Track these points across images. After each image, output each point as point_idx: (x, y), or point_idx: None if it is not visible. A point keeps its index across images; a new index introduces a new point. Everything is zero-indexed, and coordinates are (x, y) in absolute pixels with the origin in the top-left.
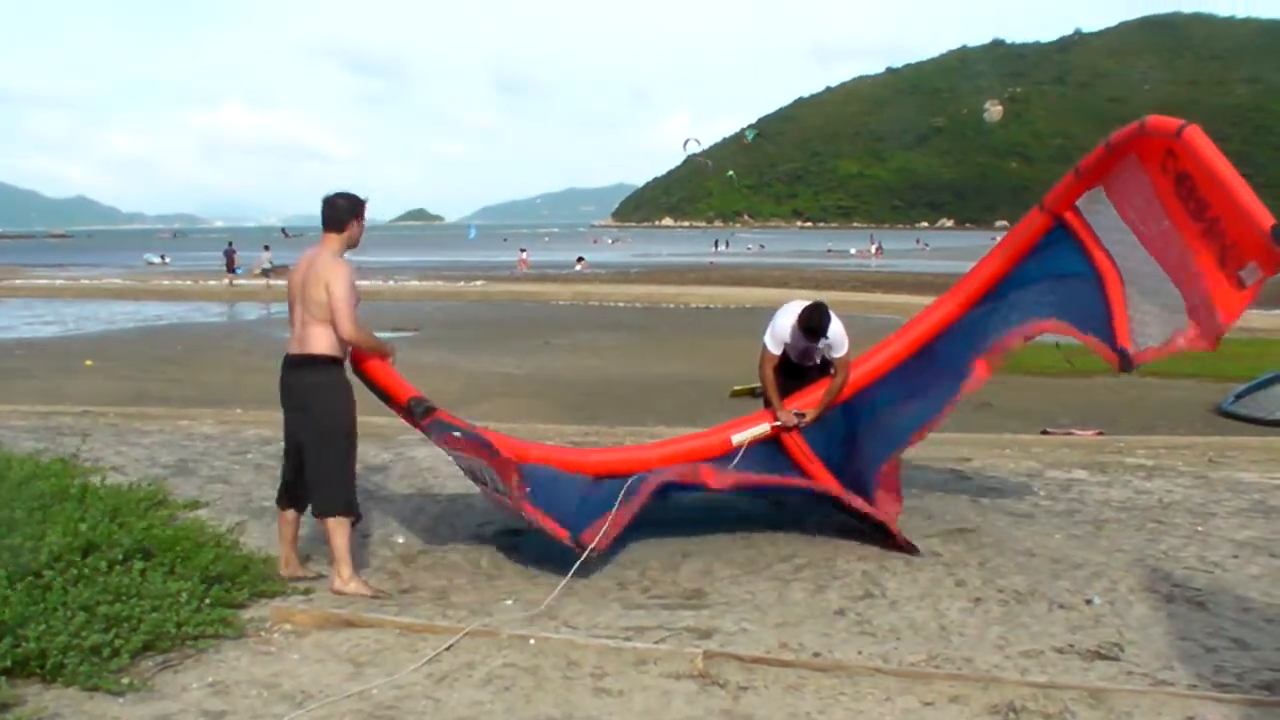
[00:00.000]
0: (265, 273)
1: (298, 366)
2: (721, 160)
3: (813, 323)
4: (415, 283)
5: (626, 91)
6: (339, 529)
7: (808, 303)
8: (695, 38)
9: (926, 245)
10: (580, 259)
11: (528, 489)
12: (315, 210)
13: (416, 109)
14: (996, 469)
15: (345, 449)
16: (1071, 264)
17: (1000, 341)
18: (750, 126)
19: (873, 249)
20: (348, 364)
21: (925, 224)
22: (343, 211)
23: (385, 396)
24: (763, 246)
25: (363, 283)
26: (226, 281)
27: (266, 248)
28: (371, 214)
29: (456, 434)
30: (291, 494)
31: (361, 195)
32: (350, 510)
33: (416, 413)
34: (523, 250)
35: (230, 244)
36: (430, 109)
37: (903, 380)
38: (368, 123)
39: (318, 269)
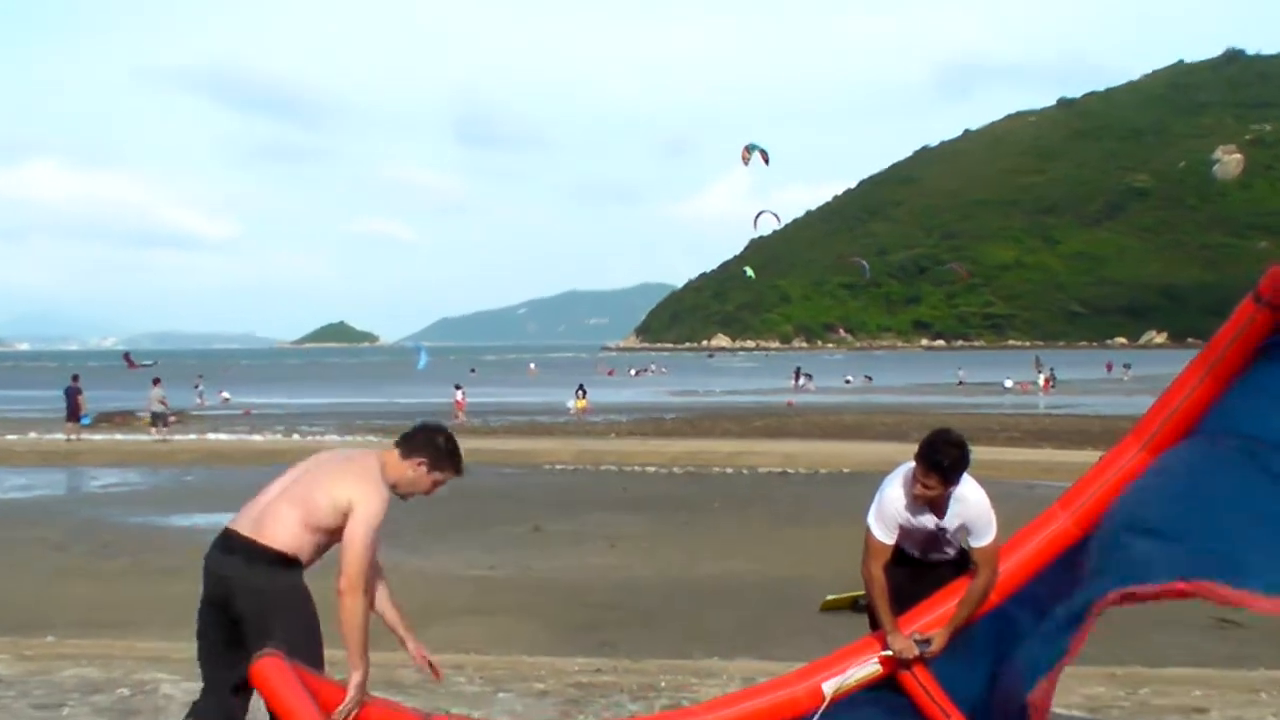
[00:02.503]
0: (157, 420)
1: (237, 552)
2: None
3: (938, 454)
4: (334, 437)
5: (656, 144)
6: None
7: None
8: (758, 61)
9: (1127, 370)
10: (579, 392)
11: None
12: (174, 325)
13: (339, 168)
14: None
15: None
16: None
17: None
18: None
19: (1039, 379)
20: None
21: (1122, 340)
22: (422, 445)
23: None
24: (869, 378)
25: (255, 437)
26: (66, 435)
27: (156, 381)
28: (272, 331)
29: None
30: None
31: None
32: None
33: None
34: (458, 387)
35: (76, 379)
36: (360, 168)
37: (1073, 572)
38: (263, 189)
39: (357, 465)
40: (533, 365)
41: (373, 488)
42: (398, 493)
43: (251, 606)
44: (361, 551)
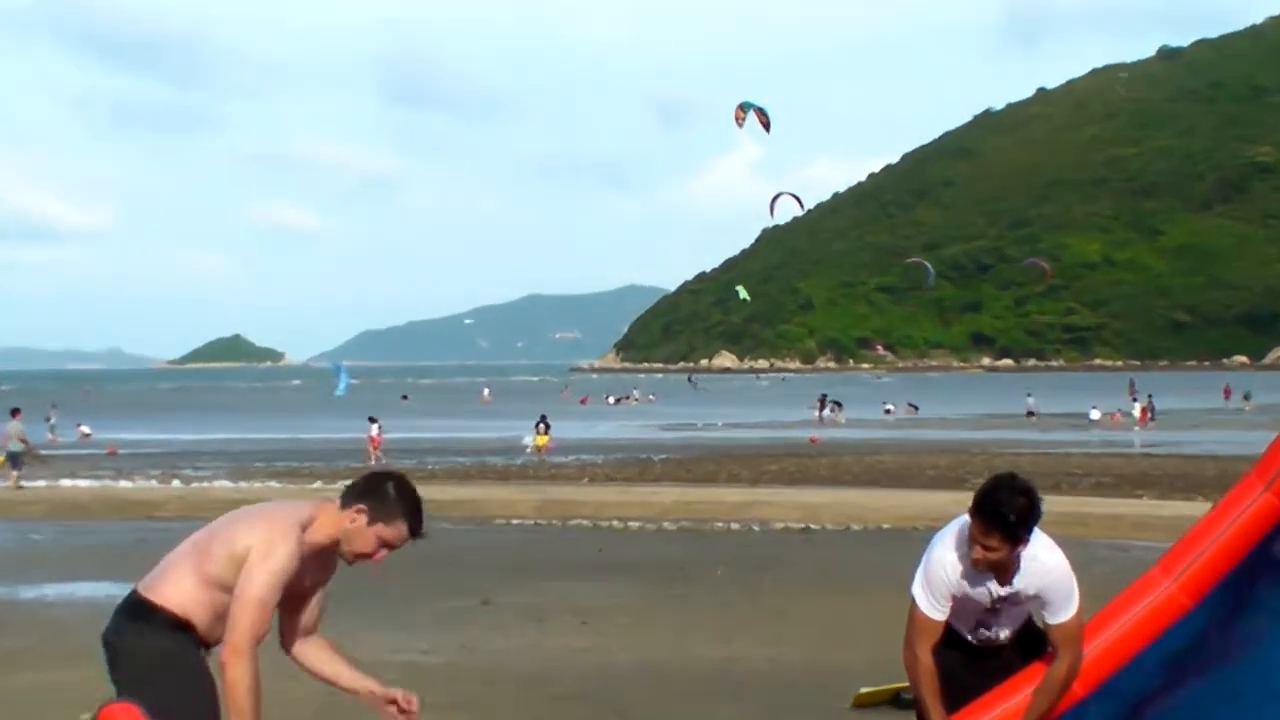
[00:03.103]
0: (12, 459)
1: (129, 611)
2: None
3: (1000, 506)
4: (225, 484)
5: (640, 105)
6: None
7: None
8: (774, 1)
9: (1248, 400)
10: (540, 426)
11: None
12: (17, 339)
13: (233, 137)
14: None
15: None
16: None
17: None
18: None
19: (1135, 409)
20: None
21: (1242, 358)
22: (363, 491)
23: None
24: (914, 407)
25: (122, 484)
26: None
27: (15, 412)
28: (146, 348)
29: None
30: None
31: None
32: None
33: None
34: (373, 420)
35: None
36: (259, 138)
37: (1187, 655)
38: (140, 165)
39: (272, 512)
40: (486, 391)
41: (279, 536)
42: (341, 554)
43: (128, 673)
44: (250, 609)
